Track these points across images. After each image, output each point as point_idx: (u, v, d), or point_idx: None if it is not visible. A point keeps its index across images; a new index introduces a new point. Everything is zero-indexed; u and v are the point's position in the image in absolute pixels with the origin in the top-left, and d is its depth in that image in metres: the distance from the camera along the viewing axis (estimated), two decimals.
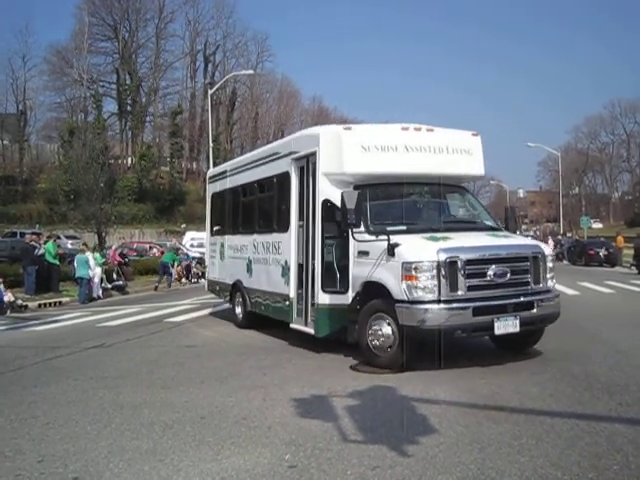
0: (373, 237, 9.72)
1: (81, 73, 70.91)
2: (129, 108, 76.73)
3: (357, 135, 10.62)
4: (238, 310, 14.87)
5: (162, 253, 34.73)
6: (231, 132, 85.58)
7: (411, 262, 8.92)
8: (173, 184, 72.70)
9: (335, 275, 10.46)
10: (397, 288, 9.07)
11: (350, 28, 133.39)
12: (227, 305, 16.36)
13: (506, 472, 5.32)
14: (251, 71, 62.69)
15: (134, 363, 10.77)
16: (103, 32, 77.03)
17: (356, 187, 10.24)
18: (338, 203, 9.76)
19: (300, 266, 11.52)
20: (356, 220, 9.48)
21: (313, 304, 10.84)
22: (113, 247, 31.90)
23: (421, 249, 9.16)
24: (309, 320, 11.09)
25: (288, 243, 11.84)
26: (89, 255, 23.77)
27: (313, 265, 10.91)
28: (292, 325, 11.67)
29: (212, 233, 17.37)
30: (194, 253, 35.57)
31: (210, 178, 18.11)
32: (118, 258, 28.56)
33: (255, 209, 14.35)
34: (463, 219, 11.86)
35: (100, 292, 24.30)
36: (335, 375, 9.18)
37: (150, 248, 34.70)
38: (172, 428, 6.82)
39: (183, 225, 55.91)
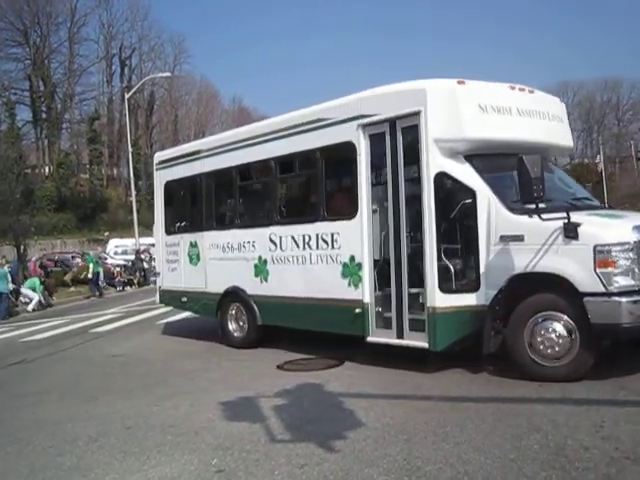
0: (524, 217, 7.86)
1: None
2: (44, 115, 74.59)
3: (473, 91, 8.68)
4: (233, 326, 11.96)
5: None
6: (151, 136, 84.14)
7: (607, 244, 7.20)
8: (94, 191, 71.10)
9: (456, 270, 8.44)
10: (586, 278, 7.25)
11: (269, 27, 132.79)
12: (153, 313, 16.04)
13: (431, 460, 5.39)
14: (168, 73, 61.84)
15: (58, 377, 10.52)
16: (13, 37, 74.47)
17: (466, 157, 8.49)
18: (458, 176, 8.32)
19: (375, 262, 9.20)
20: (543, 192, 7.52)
21: (411, 310, 8.65)
22: (32, 259, 31.05)
23: (613, 228, 7.58)
24: (406, 330, 8.65)
25: (355, 234, 9.27)
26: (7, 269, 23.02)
27: (415, 258, 8.63)
28: (370, 339, 9.12)
29: (168, 231, 13.80)
30: (118, 261, 34.90)
31: (161, 163, 14.23)
32: (39, 270, 27.80)
33: (273, 194, 11.21)
34: (581, 196, 9.36)
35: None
36: (262, 375, 9.15)
37: (73, 258, 33.83)
38: (97, 441, 6.66)
39: (106, 233, 54.80)
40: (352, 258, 9.34)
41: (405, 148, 8.72)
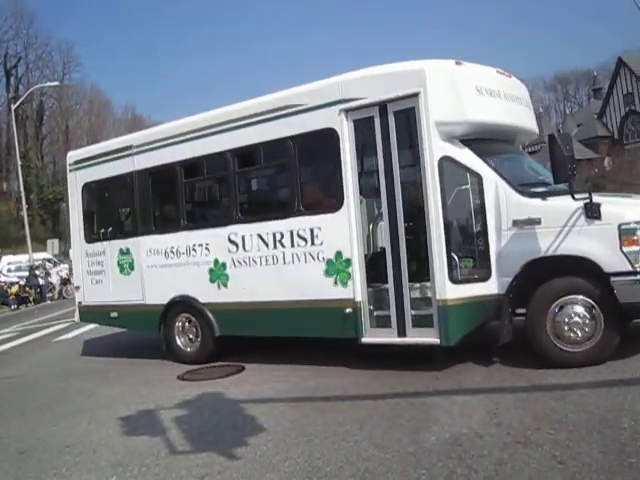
0: (537, 200, 7.73)
1: None
2: None
3: (470, 73, 8.39)
4: (182, 340, 10.77)
5: None
6: (41, 147, 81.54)
7: (631, 223, 7.12)
8: None
9: (466, 257, 8.16)
10: (611, 258, 7.14)
11: (160, 33, 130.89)
12: (49, 330, 15.47)
13: (332, 460, 5.43)
14: (57, 82, 60.10)
15: None
16: None
17: (463, 142, 8.16)
18: (462, 160, 7.96)
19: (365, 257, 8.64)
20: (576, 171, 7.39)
21: (415, 305, 8.19)
22: None
23: (634, 207, 7.57)
24: (409, 327, 8.14)
25: (341, 227, 8.59)
26: None
27: (415, 250, 8.24)
28: (366, 340, 8.51)
29: (89, 239, 12.12)
30: (12, 278, 33.65)
31: (77, 163, 12.45)
32: None
33: (231, 190, 10.08)
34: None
35: None
36: (162, 387, 9.00)
37: None
38: None
39: None
40: (338, 254, 8.64)
41: (398, 133, 8.20)
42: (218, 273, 10.01)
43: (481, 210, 7.89)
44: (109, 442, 6.74)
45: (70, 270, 32.62)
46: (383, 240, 8.41)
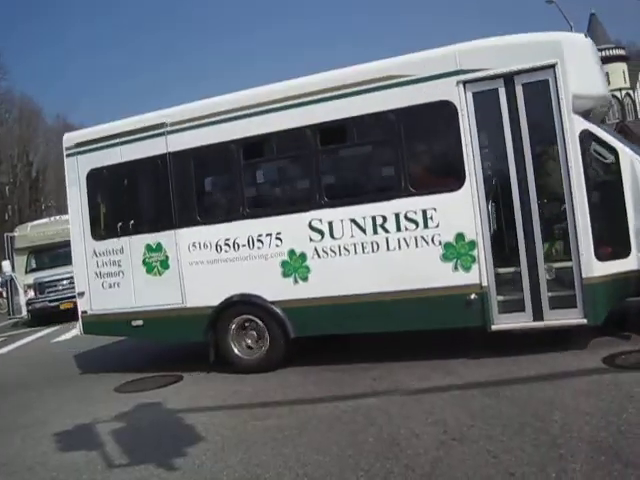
0: None
1: None
2: None
3: (594, 46, 8.23)
4: (240, 347, 9.36)
5: None
6: None
7: None
8: None
9: (610, 235, 7.80)
10: None
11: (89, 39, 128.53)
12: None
13: (271, 466, 5.44)
14: None
15: None
16: None
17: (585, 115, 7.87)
18: (599, 134, 7.68)
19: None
20: None
21: (552, 285, 7.70)
22: None
23: None
24: (546, 310, 7.64)
25: (462, 207, 7.90)
26: None
27: (549, 228, 7.88)
28: (496, 327, 7.86)
29: (97, 236, 10.42)
30: None
31: (79, 146, 10.56)
32: None
33: (313, 170, 8.90)
34: None
35: None
36: (100, 400, 8.82)
37: None
38: None
39: None
40: (459, 236, 7.93)
41: (527, 106, 7.74)
42: (294, 266, 8.84)
43: (619, 186, 7.60)
44: (44, 459, 6.59)
45: (4, 284, 31.95)
46: (506, 220, 7.94)
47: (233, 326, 9.28)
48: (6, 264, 21.64)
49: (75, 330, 16.93)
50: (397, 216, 8.18)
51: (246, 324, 9.29)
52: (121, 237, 10.05)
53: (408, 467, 4.99)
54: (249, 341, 9.33)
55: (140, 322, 9.91)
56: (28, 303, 21.05)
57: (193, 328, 9.39)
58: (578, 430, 5.19)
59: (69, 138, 10.82)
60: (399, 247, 8.18)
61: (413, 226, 8.10)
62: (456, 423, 5.80)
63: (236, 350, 9.29)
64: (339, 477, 5.04)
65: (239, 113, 9.16)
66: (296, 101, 8.80)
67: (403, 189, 8.20)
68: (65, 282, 20.77)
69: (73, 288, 19.98)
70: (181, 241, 9.55)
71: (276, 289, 8.92)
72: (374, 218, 8.29)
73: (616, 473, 4.37)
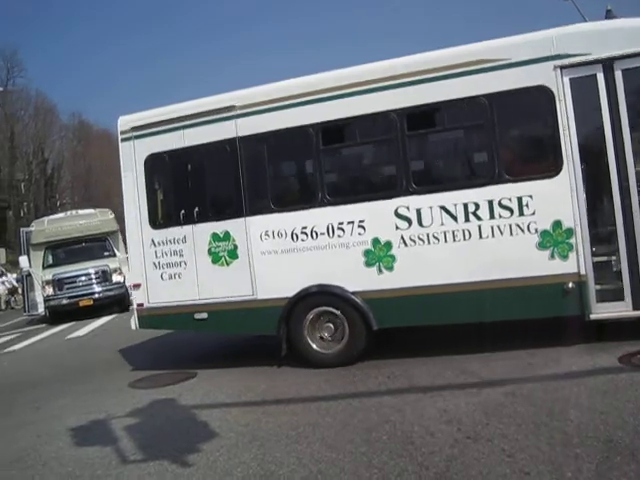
0: None
1: None
2: None
3: None
4: (316, 339, 8.96)
5: None
6: None
7: None
8: None
9: None
10: None
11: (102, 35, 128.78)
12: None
13: (285, 462, 5.44)
14: (0, 88, 58.99)
15: None
16: None
17: None
18: None
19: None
20: None
21: None
22: None
23: None
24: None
25: (560, 194, 7.74)
26: None
27: None
28: (594, 316, 7.73)
29: (156, 225, 9.85)
30: None
31: (136, 130, 9.96)
32: None
33: (400, 156, 8.54)
34: None
35: None
36: (114, 396, 8.84)
37: None
38: None
39: None
40: (556, 224, 7.75)
41: (627, 93, 7.57)
42: (379, 255, 8.50)
43: None
44: (59, 454, 6.63)
45: (20, 279, 32.09)
46: (604, 207, 7.86)
47: (309, 318, 8.89)
48: (23, 259, 21.50)
49: (90, 326, 17.17)
50: (490, 203, 7.99)
51: (321, 317, 8.93)
52: (184, 225, 9.56)
53: (422, 465, 4.97)
54: (326, 334, 8.93)
55: (204, 315, 9.43)
56: (46, 300, 20.70)
57: (264, 321, 9.01)
58: (594, 429, 5.16)
59: (125, 121, 10.18)
60: (492, 235, 7.98)
61: (508, 213, 7.91)
62: (471, 421, 5.77)
63: (314, 344, 8.90)
64: (353, 474, 5.03)
65: (319, 96, 8.86)
66: (382, 84, 8.51)
67: (497, 175, 7.99)
68: (84, 278, 20.76)
69: (92, 285, 20.87)
70: (252, 229, 9.11)
71: (358, 279, 8.59)
72: (466, 205, 8.08)
73: (632, 473, 4.34)
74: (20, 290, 31.50)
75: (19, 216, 78.18)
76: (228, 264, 9.24)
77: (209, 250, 9.35)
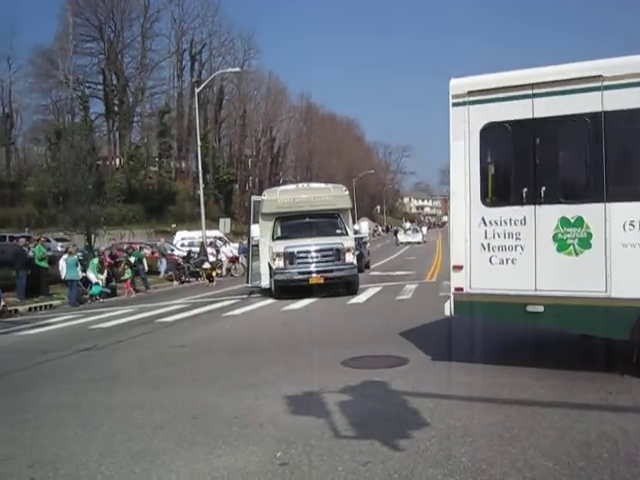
0: None
1: (67, 74, 70.08)
2: (116, 109, 76.31)
3: None
4: None
5: (153, 254, 34.38)
6: (219, 130, 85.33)
7: None
8: (162, 184, 72.49)
9: None
10: None
11: (337, 23, 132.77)
12: (218, 305, 15.97)
13: (497, 463, 5.31)
14: (238, 69, 62.59)
15: (125, 364, 10.73)
16: (88, 33, 76.45)
17: None
18: None
19: None
20: None
21: None
22: (102, 249, 31.77)
23: None
24: None
25: None
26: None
27: None
28: None
29: (489, 202, 8.93)
30: (183, 253, 35.36)
31: (470, 94, 8.96)
32: (108, 259, 28.37)
33: None
34: None
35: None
36: (326, 371, 9.10)
37: (140, 249, 34.46)
38: (163, 429, 6.79)
39: (173, 225, 55.77)
40: None
41: None
42: None
43: None
44: (275, 418, 6.94)
45: (240, 249, 33.84)
46: None
47: None
48: (255, 228, 21.24)
49: (305, 301, 17.74)
50: None
51: None
52: (524, 205, 8.50)
53: None
54: None
55: (540, 308, 8.37)
56: (275, 273, 19.78)
57: (616, 323, 7.87)
58: None
59: (459, 84, 9.13)
60: None
61: None
62: None
63: None
64: None
65: None
66: None
67: None
68: (317, 255, 19.99)
69: (326, 262, 19.95)
70: (614, 217, 7.87)
71: None
72: None
73: None
74: (240, 259, 33.37)
75: (244, 189, 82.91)
76: (577, 254, 8.12)
77: (555, 236, 8.27)
